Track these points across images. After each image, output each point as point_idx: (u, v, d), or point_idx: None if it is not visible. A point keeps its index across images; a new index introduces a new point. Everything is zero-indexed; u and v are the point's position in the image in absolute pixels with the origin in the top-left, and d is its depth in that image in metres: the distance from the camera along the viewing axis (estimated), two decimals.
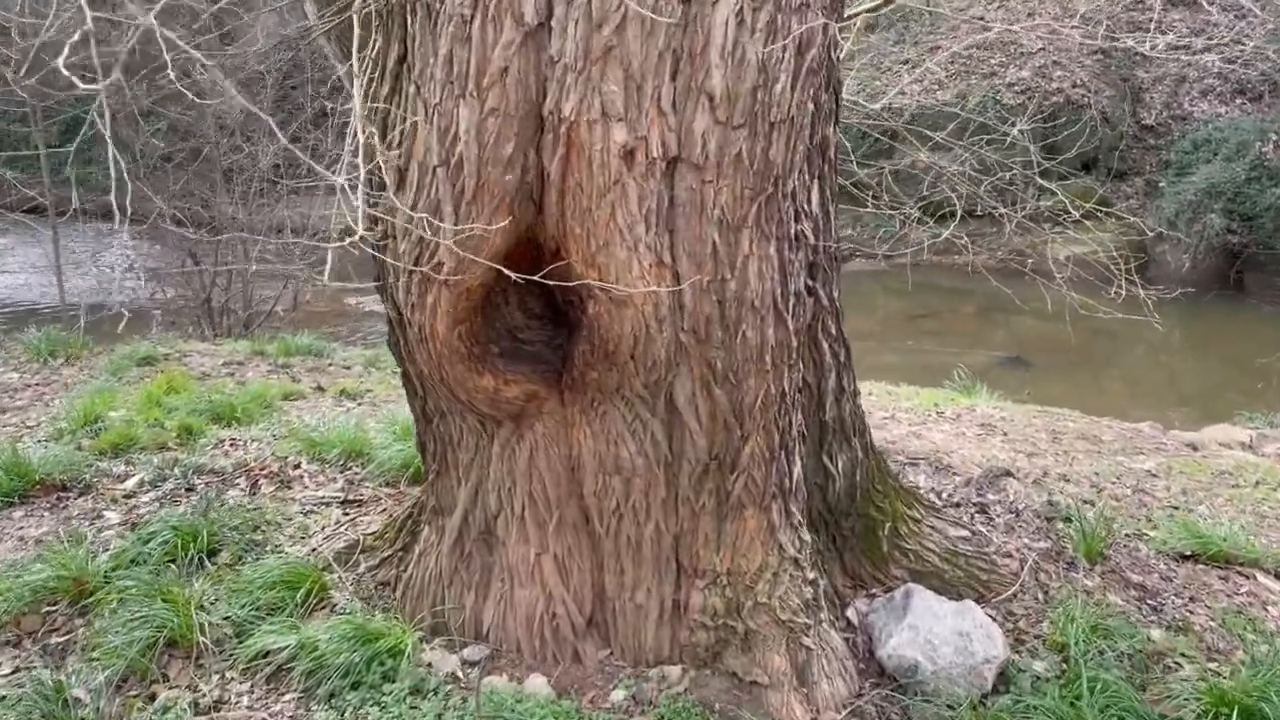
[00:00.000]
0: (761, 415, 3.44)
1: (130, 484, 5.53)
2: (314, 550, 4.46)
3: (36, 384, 8.10)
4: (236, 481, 5.63)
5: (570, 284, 3.13)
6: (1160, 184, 17.25)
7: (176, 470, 5.65)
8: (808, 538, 3.76)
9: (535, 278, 3.07)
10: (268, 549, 4.61)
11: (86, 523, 5.14)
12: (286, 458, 5.97)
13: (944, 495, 4.91)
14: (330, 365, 9.18)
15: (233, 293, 10.76)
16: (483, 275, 3.28)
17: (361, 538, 4.44)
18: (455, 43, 3.02)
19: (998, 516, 4.74)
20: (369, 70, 3.29)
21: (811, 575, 3.73)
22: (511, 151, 3.10)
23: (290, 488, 5.57)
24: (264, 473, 5.76)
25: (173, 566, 4.39)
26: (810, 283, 3.64)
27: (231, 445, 6.39)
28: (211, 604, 4.09)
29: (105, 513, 5.24)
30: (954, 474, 5.27)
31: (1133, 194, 17.65)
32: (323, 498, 5.34)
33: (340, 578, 4.27)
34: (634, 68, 2.96)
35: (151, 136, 10.70)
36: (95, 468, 5.80)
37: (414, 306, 3.38)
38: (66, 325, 11.08)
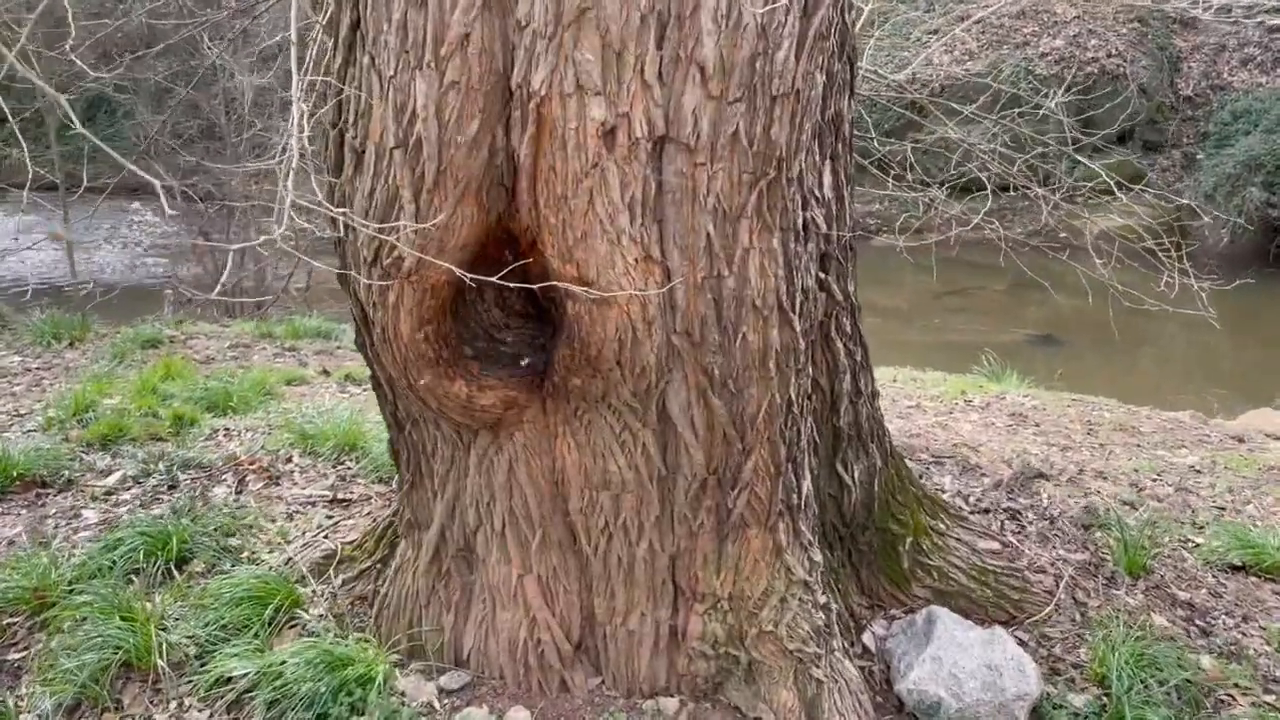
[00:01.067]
0: (765, 426, 3.02)
1: (112, 480, 5.18)
2: (289, 560, 4.09)
3: (37, 368, 7.79)
4: (223, 477, 5.27)
5: (540, 285, 2.71)
6: (1198, 156, 16.54)
7: (161, 465, 5.29)
8: (819, 558, 3.35)
9: (493, 279, 2.65)
10: (243, 556, 4.25)
11: (64, 522, 4.80)
12: (278, 451, 5.61)
13: (971, 500, 4.47)
14: (338, 348, 8.82)
15: (245, 271, 10.41)
16: (449, 271, 2.87)
17: (339, 547, 4.06)
18: (410, 6, 2.60)
19: (1030, 524, 4.30)
20: (320, 39, 2.87)
21: (823, 599, 3.32)
22: (477, 131, 2.68)
23: (278, 484, 5.21)
24: (253, 467, 5.40)
25: (138, 578, 4.03)
26: (822, 276, 3.21)
27: (226, 435, 6.05)
28: (175, 621, 3.73)
29: (84, 511, 4.90)
30: (982, 474, 4.82)
31: (1169, 167, 16.96)
32: (310, 497, 4.98)
33: (315, 591, 3.90)
34: (613, 34, 2.52)
35: (160, 112, 10.35)
36: (81, 461, 5.47)
37: (375, 305, 2.98)
38: (79, 305, 10.81)
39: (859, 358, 3.49)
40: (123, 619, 3.62)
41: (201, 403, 6.51)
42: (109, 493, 5.06)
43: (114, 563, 4.05)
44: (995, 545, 3.93)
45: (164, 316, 10.15)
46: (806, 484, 3.26)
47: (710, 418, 2.97)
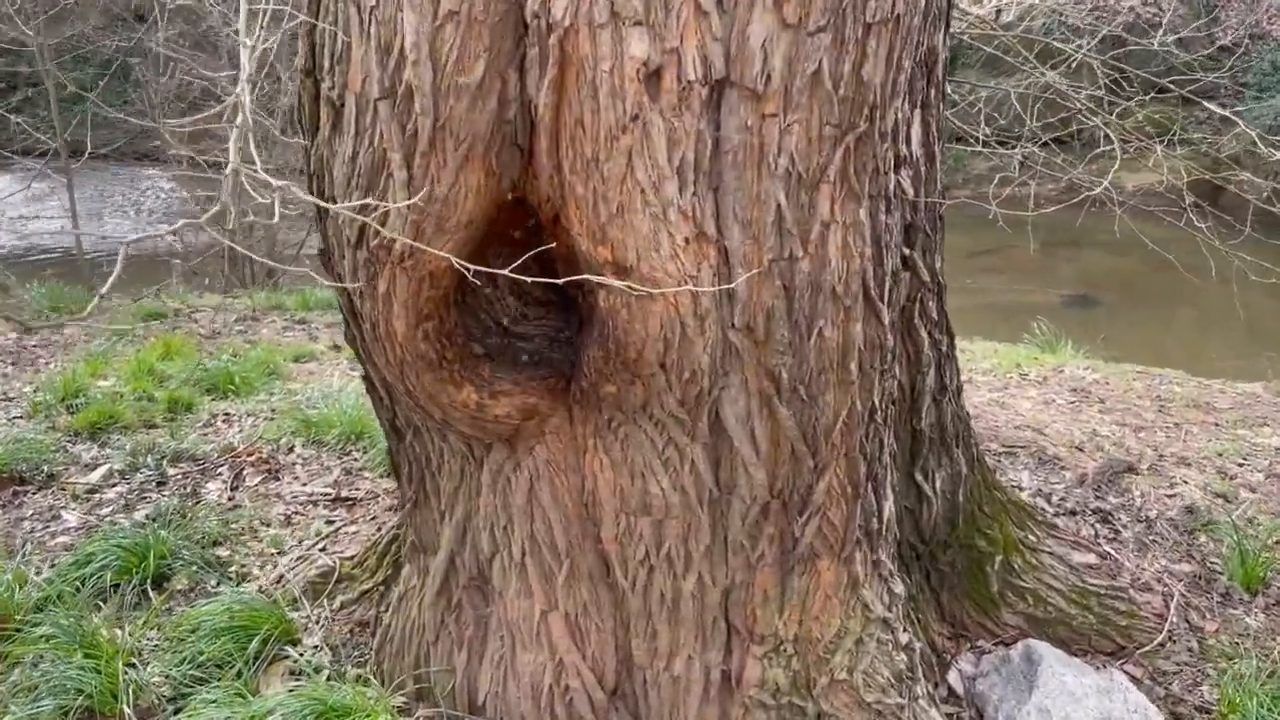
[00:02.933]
0: (843, 440, 2.39)
1: (96, 475, 4.61)
2: (281, 579, 3.51)
3: (34, 344, 7.21)
4: (219, 471, 4.69)
5: (565, 279, 2.08)
6: (1237, 108, 15.65)
7: (150, 459, 4.71)
8: (900, 590, 2.74)
9: (504, 271, 2.01)
10: (231, 571, 3.67)
11: (40, 525, 4.24)
12: (279, 440, 5.02)
13: (1054, 500, 3.84)
14: None
15: (255, 238, 9.80)
16: (453, 252, 2.25)
17: (338, 563, 3.48)
18: None
19: (1124, 528, 3.67)
20: None
21: (905, 638, 2.71)
22: (482, 75, 2.04)
23: (278, 479, 4.63)
24: (251, 459, 4.82)
25: (110, 599, 3.46)
26: (907, 252, 2.57)
27: (225, 421, 5.46)
28: (148, 654, 3.16)
29: (63, 513, 4.33)
30: (1062, 468, 4.19)
31: (1206, 120, 16.06)
32: (311, 495, 4.39)
33: (310, 616, 3.31)
34: None
35: (166, 76, 9.71)
36: (66, 452, 4.90)
37: (362, 295, 2.36)
38: (87, 276, 10.24)
39: (945, 347, 2.86)
40: (86, 655, 3.05)
41: (201, 385, 5.92)
42: (92, 491, 4.49)
43: (83, 582, 3.48)
44: (1092, 558, 3.31)
45: (172, 287, 9.57)
46: (889, 505, 2.64)
47: (775, 431, 2.35)
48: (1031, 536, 3.23)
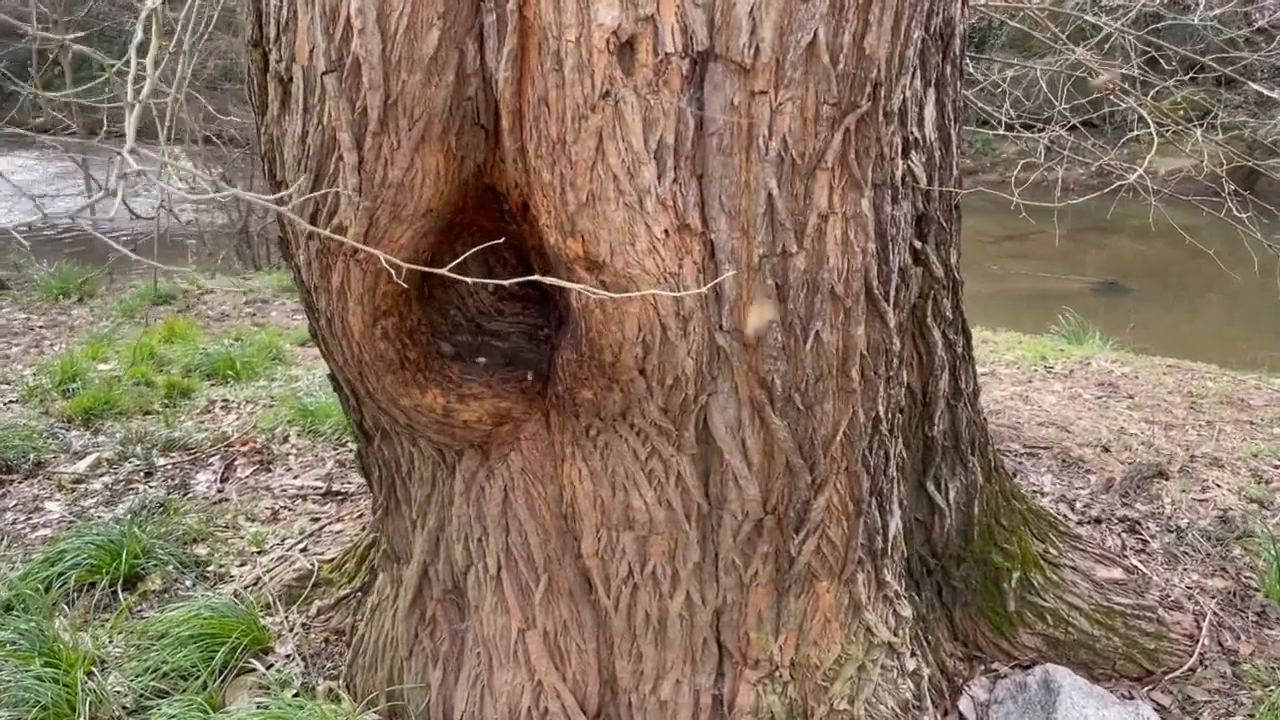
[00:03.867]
0: (843, 452, 2.15)
1: (84, 465, 4.43)
2: (258, 581, 3.30)
3: (41, 326, 7.06)
4: (210, 462, 4.50)
5: (517, 279, 1.84)
6: (1274, 91, 15.14)
7: (139, 448, 4.53)
8: (908, 612, 2.49)
9: (440, 270, 1.76)
10: (209, 571, 3.47)
11: (22, 517, 4.06)
12: (274, 429, 4.82)
13: (1078, 506, 3.58)
14: None
15: (269, 219, 9.61)
16: (411, 243, 2.02)
17: (316, 566, 3.27)
18: None
19: (1153, 538, 3.40)
20: None
21: (912, 664, 2.47)
22: (437, 46, 1.80)
23: (270, 470, 4.44)
24: (244, 449, 4.63)
25: (78, 600, 3.27)
26: (918, 246, 2.31)
27: (223, 408, 5.28)
28: (112, 662, 2.96)
29: (47, 503, 4.16)
30: (1087, 471, 3.92)
31: (1242, 103, 15.56)
32: (300, 488, 4.19)
33: (286, 621, 3.11)
34: None
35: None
36: (57, 439, 4.73)
37: (317, 288, 2.14)
38: (102, 257, 10.09)
39: (960, 349, 2.60)
40: (46, 663, 2.85)
41: (201, 370, 5.74)
42: (78, 480, 4.31)
43: (52, 582, 3.29)
44: (1118, 573, 3.04)
45: (185, 269, 9.40)
46: (895, 521, 2.39)
47: (769, 442, 2.11)
48: (1052, 549, 2.98)
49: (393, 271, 1.88)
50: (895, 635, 2.43)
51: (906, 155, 2.00)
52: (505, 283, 1.49)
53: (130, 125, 1.43)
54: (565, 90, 1.73)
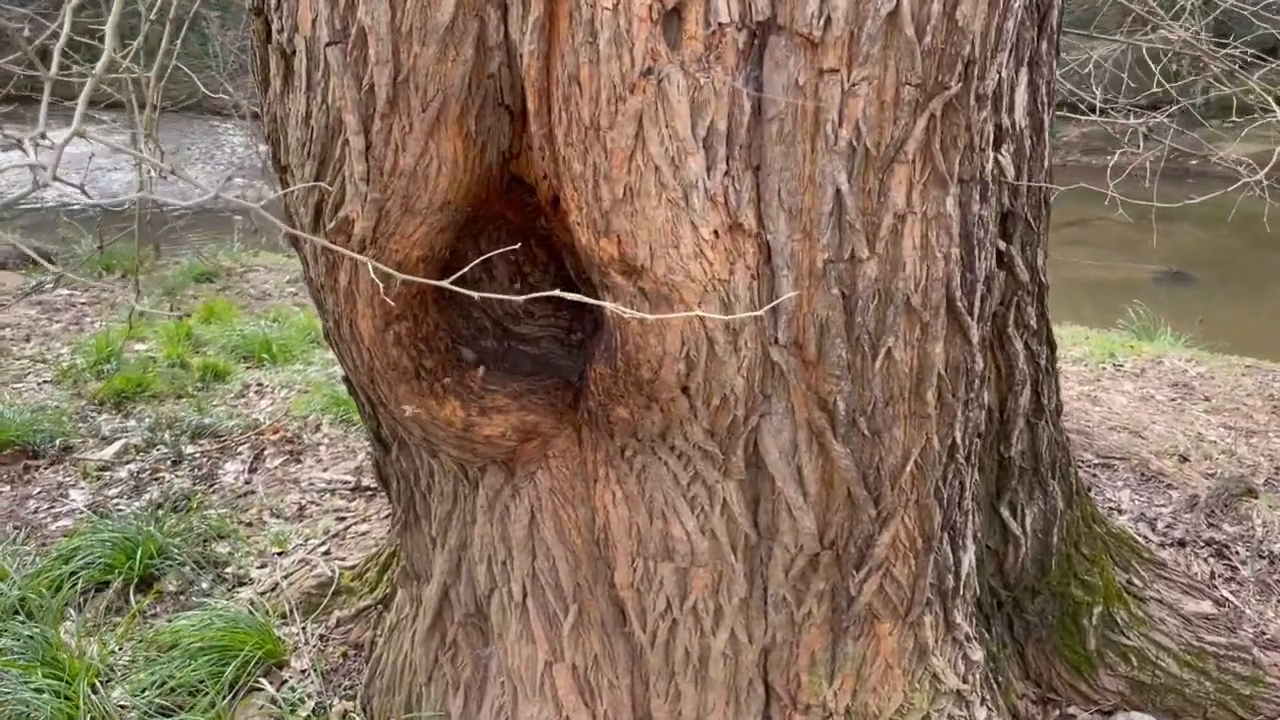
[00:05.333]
0: (914, 484, 1.87)
1: (111, 451, 4.26)
2: (276, 587, 3.09)
3: (84, 303, 6.94)
4: (239, 451, 4.32)
5: (538, 295, 1.58)
6: None
7: (168, 434, 4.35)
8: (979, 656, 2.21)
9: (447, 286, 1.49)
10: (228, 572, 3.27)
11: (45, 505, 3.90)
12: (306, 417, 4.63)
13: (1159, 526, 3.26)
14: None
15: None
16: (426, 239, 1.76)
17: (338, 573, 3.05)
18: None
19: (1243, 564, 3.08)
20: None
21: (982, 714, 2.19)
22: (453, 14, 1.53)
23: (299, 461, 4.24)
24: (275, 437, 4.43)
25: (89, 603, 3.09)
26: (1003, 246, 2.01)
27: (257, 392, 5.10)
28: (118, 674, 2.77)
29: (71, 490, 4.00)
30: (1168, 486, 3.59)
31: None
32: (329, 482, 3.98)
33: (301, 633, 2.90)
34: None
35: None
36: (87, 423, 4.57)
37: (324, 287, 1.89)
38: (154, 229, 9.99)
39: (1043, 361, 2.30)
40: (48, 674, 2.67)
41: (238, 352, 5.57)
42: (104, 468, 4.14)
43: (63, 582, 3.11)
44: (1208, 606, 2.73)
45: (233, 244, 9.26)
46: (968, 557, 2.10)
47: (828, 470, 1.83)
48: (1136, 580, 2.67)
49: (398, 274, 1.63)
50: (964, 682, 2.15)
51: (997, 146, 1.71)
52: (518, 298, 1.23)
53: (83, 99, 1.19)
54: (600, 66, 1.46)
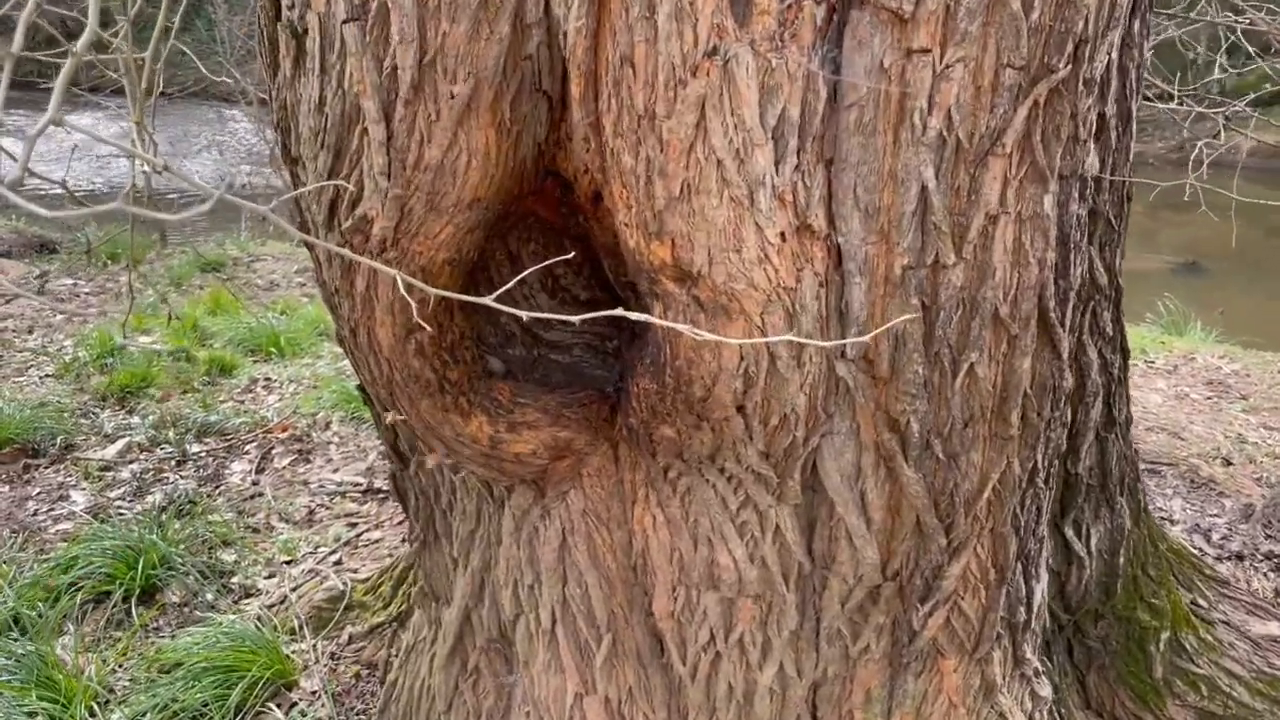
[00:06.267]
0: (990, 512, 1.68)
1: (113, 451, 4.08)
2: (284, 600, 2.91)
3: (88, 293, 6.76)
4: (246, 450, 4.13)
5: (589, 316, 1.39)
6: None
7: (172, 433, 4.17)
8: (1046, 691, 2.02)
9: (489, 303, 1.29)
10: (233, 583, 3.09)
11: (45, 507, 3.72)
12: (316, 414, 4.45)
13: (1214, 538, 3.07)
14: None
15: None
16: (453, 240, 1.57)
17: (349, 586, 2.87)
18: None
19: None
20: None
21: None
22: None
23: (309, 461, 4.06)
24: (283, 435, 4.25)
25: (90, 615, 2.91)
26: (1087, 249, 1.81)
27: (265, 387, 4.92)
28: (117, 697, 2.59)
29: (72, 491, 3.82)
30: (1219, 494, 3.39)
31: None
32: (340, 484, 3.80)
33: (311, 651, 2.71)
34: None
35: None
36: (90, 419, 4.39)
37: (339, 291, 1.70)
38: (157, 221, 9.80)
39: (1116, 370, 2.10)
40: (42, 695, 2.49)
41: (245, 345, 5.39)
42: (106, 468, 3.95)
43: (60, 593, 2.93)
44: (1275, 628, 2.54)
45: (242, 233, 9.07)
46: (1041, 587, 1.91)
47: (895, 496, 1.64)
48: (1201, 600, 2.48)
49: (423, 280, 1.44)
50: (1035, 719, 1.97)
51: (1099, 137, 1.51)
52: (573, 318, 1.03)
53: (60, 82, 1.00)
54: (657, 45, 1.26)
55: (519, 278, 1.29)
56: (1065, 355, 1.56)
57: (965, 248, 1.39)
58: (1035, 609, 1.90)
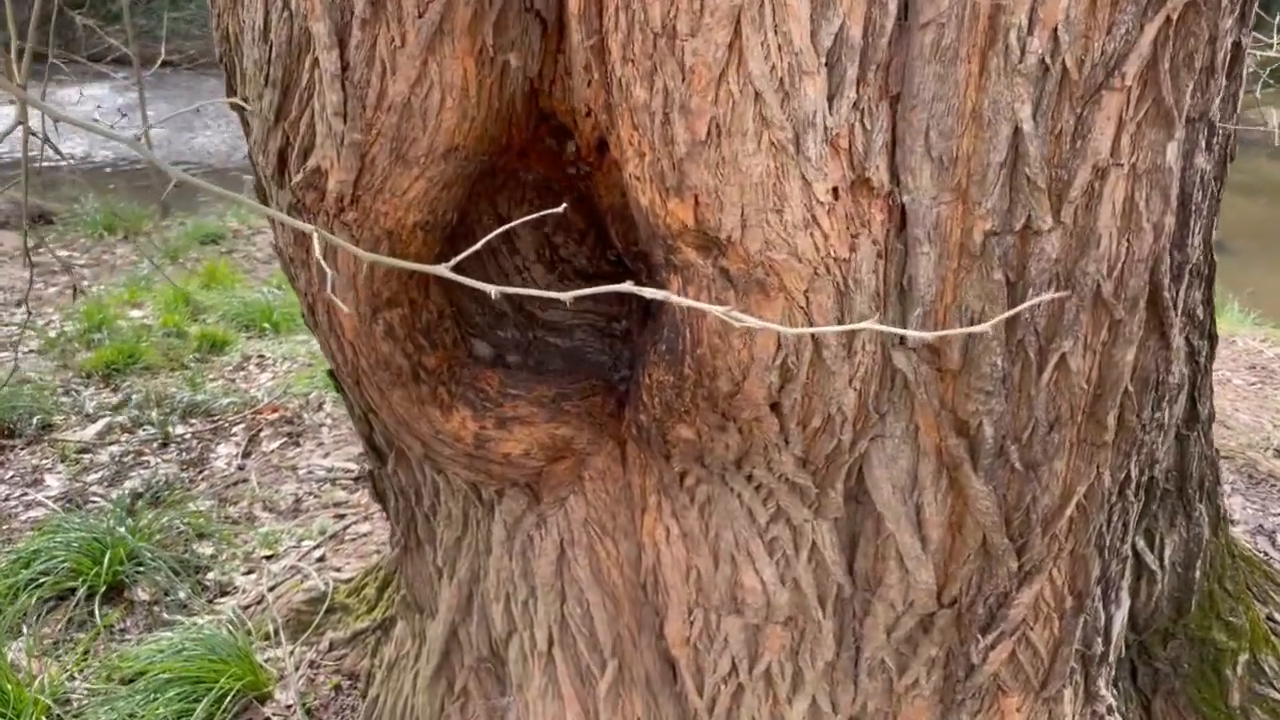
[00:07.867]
0: (1072, 530, 1.38)
1: (92, 431, 3.81)
2: (261, 601, 2.63)
3: (81, 265, 6.48)
4: (233, 432, 3.85)
5: (596, 289, 1.09)
6: None
7: (156, 413, 3.89)
8: None
9: (439, 270, 0.99)
10: (209, 579, 2.82)
11: (17, 492, 3.45)
12: (308, 394, 4.16)
13: (1279, 538, 2.77)
14: None
15: None
16: (425, 198, 1.27)
17: (331, 587, 2.59)
18: None
19: None
20: None
21: None
22: None
23: (298, 444, 3.77)
24: (273, 416, 3.97)
25: (51, 614, 2.64)
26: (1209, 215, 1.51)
27: (258, 364, 4.63)
28: (76, 705, 2.32)
29: (47, 475, 3.55)
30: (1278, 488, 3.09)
31: None
32: (330, 470, 3.52)
33: (288, 659, 2.44)
34: None
35: None
36: (72, 398, 4.12)
37: (293, 260, 1.41)
38: (158, 192, 9.53)
39: (1203, 359, 1.80)
40: None
41: (239, 320, 5.10)
42: (84, 450, 3.68)
43: (19, 591, 2.66)
44: None
45: (239, 207, 8.76)
46: (1120, 614, 1.62)
47: (958, 511, 1.35)
48: (1278, 613, 2.19)
49: (390, 247, 1.15)
50: None
51: (1233, 70, 1.20)
52: (564, 295, 0.73)
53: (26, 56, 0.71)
54: None
55: (495, 234, 0.99)
56: (1175, 344, 1.26)
57: (1065, 209, 1.09)
58: (1114, 639, 1.61)
